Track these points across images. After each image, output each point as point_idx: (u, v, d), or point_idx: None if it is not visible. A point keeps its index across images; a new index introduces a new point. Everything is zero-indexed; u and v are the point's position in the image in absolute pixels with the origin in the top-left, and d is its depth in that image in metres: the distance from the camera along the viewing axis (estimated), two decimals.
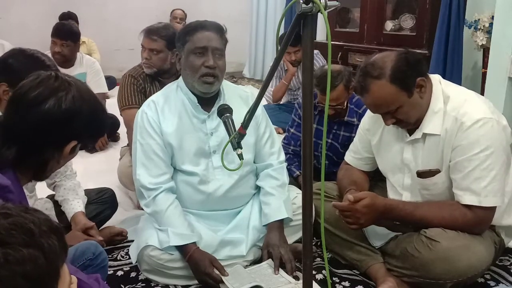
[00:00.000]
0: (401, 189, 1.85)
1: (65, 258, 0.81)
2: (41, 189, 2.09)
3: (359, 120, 2.13)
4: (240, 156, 1.47)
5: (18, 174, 1.29)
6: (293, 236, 2.03)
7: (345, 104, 2.43)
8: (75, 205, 2.01)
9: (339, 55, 4.22)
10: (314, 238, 2.05)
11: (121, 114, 2.74)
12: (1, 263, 0.70)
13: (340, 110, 2.42)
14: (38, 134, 1.24)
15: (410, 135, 1.76)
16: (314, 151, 2.50)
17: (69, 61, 3.56)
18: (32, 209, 0.82)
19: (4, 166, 1.24)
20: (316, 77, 2.23)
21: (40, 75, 1.28)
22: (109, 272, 1.83)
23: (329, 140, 2.56)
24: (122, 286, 1.87)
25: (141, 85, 2.64)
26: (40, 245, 0.75)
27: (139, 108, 2.06)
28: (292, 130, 2.72)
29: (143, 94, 2.63)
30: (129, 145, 2.63)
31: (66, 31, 3.51)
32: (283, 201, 1.98)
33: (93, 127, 1.34)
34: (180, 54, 1.91)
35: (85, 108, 1.28)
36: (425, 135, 1.71)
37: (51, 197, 2.11)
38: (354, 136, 2.12)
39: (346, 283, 1.88)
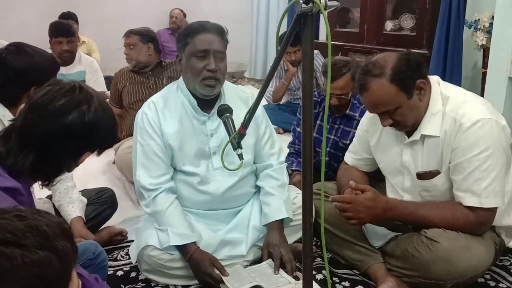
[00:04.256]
0: (402, 191, 1.84)
1: (76, 261, 0.82)
2: (41, 189, 2.08)
3: (361, 116, 2.11)
4: (240, 156, 1.47)
5: (28, 177, 1.29)
6: (293, 236, 2.02)
7: (349, 96, 2.41)
8: (70, 211, 2.00)
9: (339, 55, 4.21)
10: (314, 238, 2.05)
11: None
12: (19, 264, 0.71)
13: (344, 101, 2.41)
14: (59, 143, 1.23)
15: (408, 137, 1.76)
16: (316, 147, 2.49)
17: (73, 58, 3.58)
18: (44, 211, 0.82)
19: (20, 175, 1.22)
20: (325, 65, 2.23)
21: (65, 85, 1.27)
22: (109, 272, 1.83)
23: (332, 136, 2.51)
24: (122, 286, 1.87)
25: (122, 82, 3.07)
26: (55, 247, 0.76)
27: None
28: (298, 129, 2.69)
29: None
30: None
31: (68, 28, 3.52)
32: (283, 201, 1.97)
33: (108, 139, 1.35)
34: (181, 55, 1.90)
35: (105, 121, 1.29)
36: (423, 137, 1.71)
37: (50, 197, 2.11)
38: (354, 132, 2.11)
39: (346, 283, 1.88)
